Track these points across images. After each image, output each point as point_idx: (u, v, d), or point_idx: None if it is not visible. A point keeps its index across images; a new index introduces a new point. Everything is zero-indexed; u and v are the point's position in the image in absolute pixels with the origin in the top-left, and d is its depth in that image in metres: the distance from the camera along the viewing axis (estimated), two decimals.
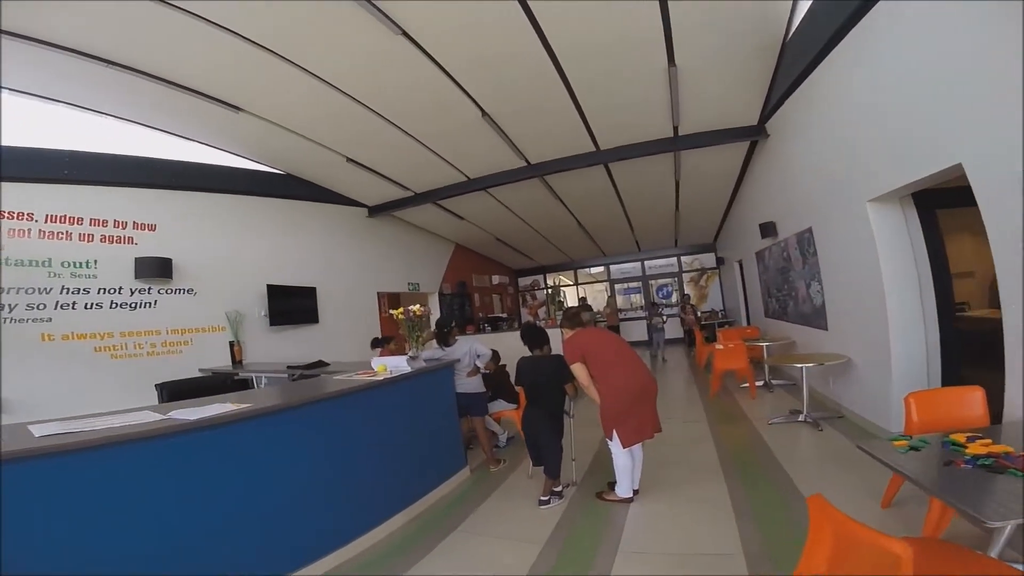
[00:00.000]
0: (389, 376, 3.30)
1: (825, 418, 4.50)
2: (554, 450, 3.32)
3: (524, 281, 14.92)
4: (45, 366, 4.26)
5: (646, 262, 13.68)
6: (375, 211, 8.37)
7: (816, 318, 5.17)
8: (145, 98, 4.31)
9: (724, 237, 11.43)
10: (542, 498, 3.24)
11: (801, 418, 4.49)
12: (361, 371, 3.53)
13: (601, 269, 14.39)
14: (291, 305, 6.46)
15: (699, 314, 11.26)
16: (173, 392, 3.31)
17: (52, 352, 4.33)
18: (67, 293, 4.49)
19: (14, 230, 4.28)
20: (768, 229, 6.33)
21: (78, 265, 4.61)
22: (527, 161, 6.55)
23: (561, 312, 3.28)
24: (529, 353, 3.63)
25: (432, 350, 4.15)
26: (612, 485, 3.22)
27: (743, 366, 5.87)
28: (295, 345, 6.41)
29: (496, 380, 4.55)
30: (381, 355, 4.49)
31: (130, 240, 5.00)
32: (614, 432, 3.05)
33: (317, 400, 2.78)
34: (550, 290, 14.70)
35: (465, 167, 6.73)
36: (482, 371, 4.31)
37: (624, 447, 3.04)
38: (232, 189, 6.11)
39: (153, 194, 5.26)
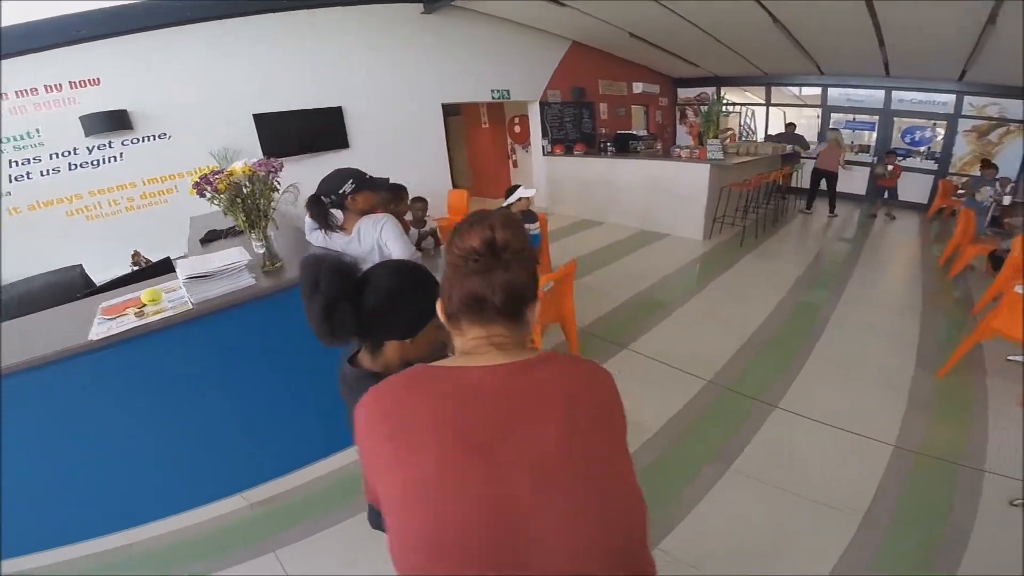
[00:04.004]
0: (154, 320, 1.86)
1: None
2: None
3: (687, 93, 10.48)
4: (28, 241, 4.29)
5: (895, 93, 7.94)
6: (432, 4, 6.00)
7: None
8: None
9: None
10: None
11: None
12: (121, 303, 2.05)
13: (816, 91, 9.01)
14: (301, 132, 5.51)
15: None
16: None
17: (26, 224, 4.36)
18: (16, 166, 4.27)
19: None
20: None
21: (19, 137, 4.25)
22: None
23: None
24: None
25: (334, 235, 2.24)
26: None
27: None
28: (321, 174, 5.79)
29: None
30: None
31: (72, 101, 4.37)
32: None
33: None
34: (705, 107, 8.58)
35: None
36: None
37: None
38: (198, 17, 4.77)
39: (87, 48, 4.34)
